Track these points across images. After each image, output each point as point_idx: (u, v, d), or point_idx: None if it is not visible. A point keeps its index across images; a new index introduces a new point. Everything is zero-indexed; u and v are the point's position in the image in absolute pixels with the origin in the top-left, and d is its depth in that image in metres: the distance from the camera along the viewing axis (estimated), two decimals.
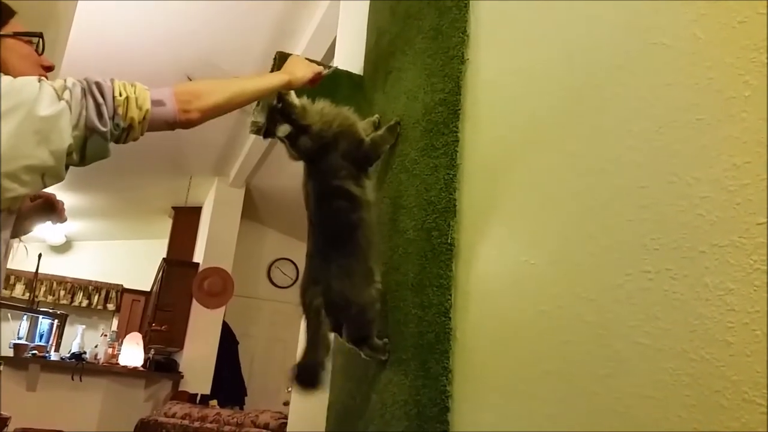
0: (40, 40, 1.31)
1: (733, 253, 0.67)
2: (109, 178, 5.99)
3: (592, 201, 0.92)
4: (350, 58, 2.24)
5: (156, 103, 1.17)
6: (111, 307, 7.62)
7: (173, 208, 6.76)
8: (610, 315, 0.84)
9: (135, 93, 1.15)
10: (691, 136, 0.76)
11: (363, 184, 1.47)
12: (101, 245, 7.97)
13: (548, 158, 1.06)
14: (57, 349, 5.30)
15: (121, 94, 1.13)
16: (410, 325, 1.35)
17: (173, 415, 3.36)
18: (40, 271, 6.64)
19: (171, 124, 1.21)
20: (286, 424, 2.71)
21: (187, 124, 1.23)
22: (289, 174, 6.07)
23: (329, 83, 2.01)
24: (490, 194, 1.22)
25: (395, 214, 1.53)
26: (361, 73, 2.03)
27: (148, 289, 6.92)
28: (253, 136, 5.10)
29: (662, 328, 0.75)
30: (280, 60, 1.96)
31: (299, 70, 1.50)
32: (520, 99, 1.19)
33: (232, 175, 5.94)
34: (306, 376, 1.41)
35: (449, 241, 1.26)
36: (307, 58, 1.60)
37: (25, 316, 5.86)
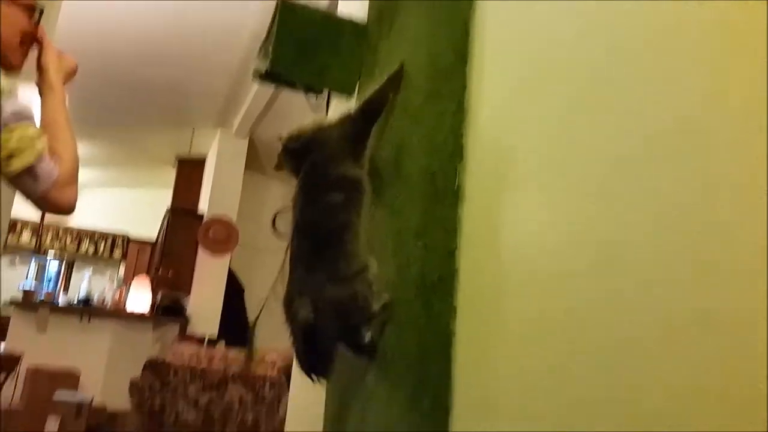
0: (39, 13, 1.31)
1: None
2: (112, 128, 5.99)
3: (606, 147, 0.93)
4: (354, 6, 2.21)
5: (30, 174, 1.14)
6: (117, 255, 7.72)
7: (177, 158, 6.77)
8: (620, 257, 0.86)
9: (14, 146, 1.11)
10: None
11: (362, 162, 1.44)
12: (106, 194, 8.01)
13: (560, 103, 1.05)
14: (65, 293, 5.40)
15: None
16: (413, 268, 1.39)
17: (181, 356, 3.46)
18: (46, 220, 6.71)
19: (31, 199, 1.20)
20: (292, 364, 2.79)
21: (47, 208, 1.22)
22: (292, 124, 6.03)
23: (332, 33, 2.00)
24: (497, 140, 1.23)
25: (398, 159, 1.55)
26: (365, 21, 2.02)
27: (154, 238, 7.00)
28: (255, 86, 5.07)
29: (672, 269, 0.76)
30: (283, 7, 1.94)
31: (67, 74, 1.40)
32: (530, 43, 1.18)
33: (236, 126, 5.92)
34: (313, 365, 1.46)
35: (455, 185, 1.28)
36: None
37: (32, 262, 5.95)
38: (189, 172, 6.60)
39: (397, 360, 1.38)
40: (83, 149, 6.32)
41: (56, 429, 4.14)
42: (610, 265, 0.86)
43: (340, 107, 2.30)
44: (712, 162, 0.73)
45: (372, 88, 1.55)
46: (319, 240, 1.41)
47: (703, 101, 0.75)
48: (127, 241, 7.53)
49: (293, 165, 1.56)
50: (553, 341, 0.97)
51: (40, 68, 1.34)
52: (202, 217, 5.88)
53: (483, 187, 1.25)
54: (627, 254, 0.84)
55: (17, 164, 1.11)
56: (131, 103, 5.38)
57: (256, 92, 5.15)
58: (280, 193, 6.96)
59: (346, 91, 2.08)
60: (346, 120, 1.50)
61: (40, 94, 1.32)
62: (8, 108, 1.12)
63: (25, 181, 1.15)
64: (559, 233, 1.00)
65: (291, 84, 2.20)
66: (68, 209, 1.23)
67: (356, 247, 1.42)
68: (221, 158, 6.08)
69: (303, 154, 1.51)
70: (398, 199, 1.52)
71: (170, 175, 6.97)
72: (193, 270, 5.67)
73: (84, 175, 5.95)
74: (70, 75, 1.41)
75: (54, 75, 1.33)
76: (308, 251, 1.42)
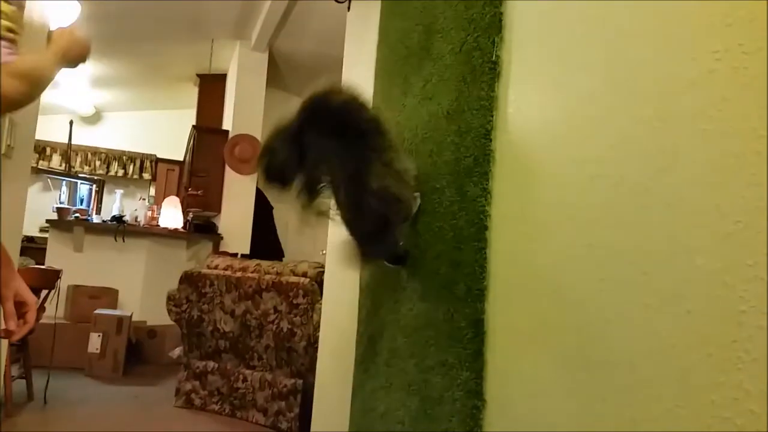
0: None
1: None
2: (129, 44, 5.88)
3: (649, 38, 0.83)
4: None
5: None
6: (147, 176, 7.79)
7: (198, 75, 6.67)
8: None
9: None
10: None
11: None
12: (130, 116, 7.99)
13: None
14: (98, 213, 5.49)
15: None
16: (445, 153, 1.32)
17: (216, 267, 3.51)
18: (74, 143, 6.74)
19: None
20: (323, 272, 2.80)
21: None
22: (311, 35, 5.88)
23: None
24: (537, 12, 1.12)
25: (428, 41, 1.45)
26: None
27: (181, 158, 7.01)
28: None
29: (725, 117, 0.69)
30: None
31: (71, 50, 1.33)
32: None
33: (254, 38, 5.76)
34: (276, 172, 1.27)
35: (493, 59, 1.18)
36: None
37: (64, 183, 6.03)
38: (211, 89, 6.50)
39: (430, 248, 1.34)
40: (103, 69, 6.27)
41: (99, 344, 4.31)
42: (667, 120, 0.78)
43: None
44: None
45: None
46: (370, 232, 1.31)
47: None
48: (155, 161, 7.56)
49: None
50: (589, 224, 0.91)
51: (49, 40, 1.33)
52: (227, 133, 5.84)
53: (520, 61, 1.15)
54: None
55: None
56: (147, 16, 5.24)
57: (272, 2, 4.96)
58: None
59: None
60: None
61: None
62: None
63: None
64: (601, 114, 0.91)
65: None
66: (6, 101, 1.13)
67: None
68: (242, 72, 5.95)
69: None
70: (429, 83, 1.43)
71: (192, 94, 6.89)
72: (222, 188, 5.70)
73: (107, 97, 5.94)
74: (77, 57, 1.35)
75: (54, 52, 1.29)
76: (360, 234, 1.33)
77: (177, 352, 3.99)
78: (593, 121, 0.93)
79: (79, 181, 6.13)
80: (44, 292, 3.39)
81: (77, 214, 5.04)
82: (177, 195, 6.35)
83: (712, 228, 0.69)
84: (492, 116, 1.18)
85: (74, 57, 1.34)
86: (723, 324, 0.67)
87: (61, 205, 5.11)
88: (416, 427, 1.38)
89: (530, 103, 1.11)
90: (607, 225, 0.88)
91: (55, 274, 3.43)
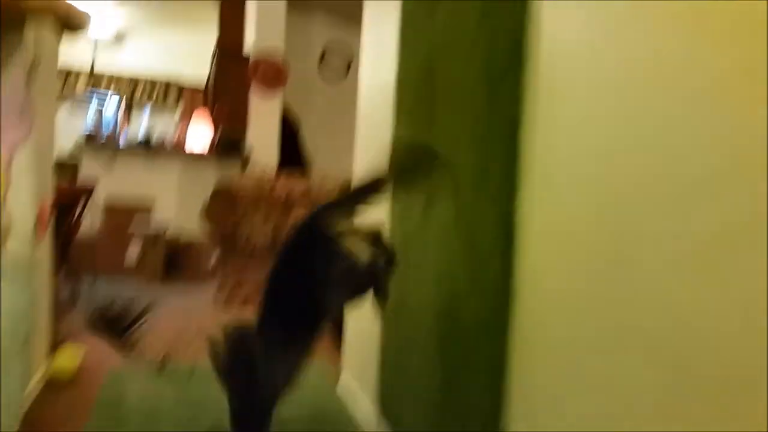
0: None
1: None
2: None
3: None
4: None
5: None
6: (172, 100, 7.84)
7: None
8: None
9: None
10: None
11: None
12: (152, 38, 7.93)
13: None
14: (127, 131, 5.57)
15: None
16: (476, 57, 1.36)
17: (246, 184, 3.63)
18: (97, 68, 6.74)
19: None
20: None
21: None
22: None
23: None
24: None
25: None
26: None
27: (205, 80, 7.01)
28: None
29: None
30: None
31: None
32: None
33: None
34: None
35: None
36: None
37: (91, 106, 6.08)
38: (231, 9, 6.42)
39: (461, 147, 1.40)
40: None
41: (137, 256, 4.51)
42: (680, 69, 0.83)
43: None
44: None
45: None
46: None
47: None
48: (180, 86, 7.60)
49: None
50: (621, 131, 0.95)
51: None
52: (248, 55, 5.82)
53: None
54: None
55: None
56: None
57: None
58: (326, 29, 6.76)
59: None
60: None
61: None
62: None
63: None
64: (637, 24, 0.93)
65: None
66: None
67: None
68: None
69: None
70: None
71: (213, 15, 6.80)
72: (247, 109, 5.73)
73: (128, 17, 5.80)
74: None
75: None
76: None
77: (212, 261, 4.18)
78: (629, 31, 0.95)
79: (108, 93, 6.17)
80: (80, 207, 3.51)
81: (105, 137, 5.15)
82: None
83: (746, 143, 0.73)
84: (524, 19, 1.21)
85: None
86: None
87: (90, 131, 5.18)
88: (444, 321, 1.48)
89: (565, 7, 1.14)
90: (641, 134, 0.90)
91: (90, 190, 3.57)
